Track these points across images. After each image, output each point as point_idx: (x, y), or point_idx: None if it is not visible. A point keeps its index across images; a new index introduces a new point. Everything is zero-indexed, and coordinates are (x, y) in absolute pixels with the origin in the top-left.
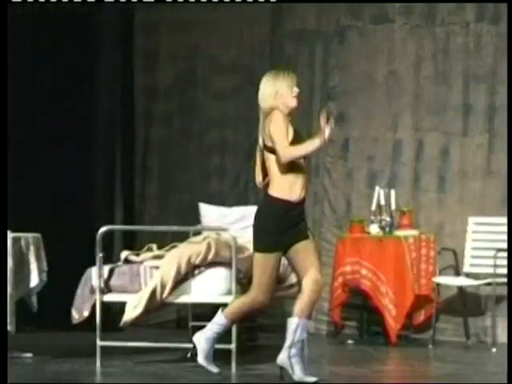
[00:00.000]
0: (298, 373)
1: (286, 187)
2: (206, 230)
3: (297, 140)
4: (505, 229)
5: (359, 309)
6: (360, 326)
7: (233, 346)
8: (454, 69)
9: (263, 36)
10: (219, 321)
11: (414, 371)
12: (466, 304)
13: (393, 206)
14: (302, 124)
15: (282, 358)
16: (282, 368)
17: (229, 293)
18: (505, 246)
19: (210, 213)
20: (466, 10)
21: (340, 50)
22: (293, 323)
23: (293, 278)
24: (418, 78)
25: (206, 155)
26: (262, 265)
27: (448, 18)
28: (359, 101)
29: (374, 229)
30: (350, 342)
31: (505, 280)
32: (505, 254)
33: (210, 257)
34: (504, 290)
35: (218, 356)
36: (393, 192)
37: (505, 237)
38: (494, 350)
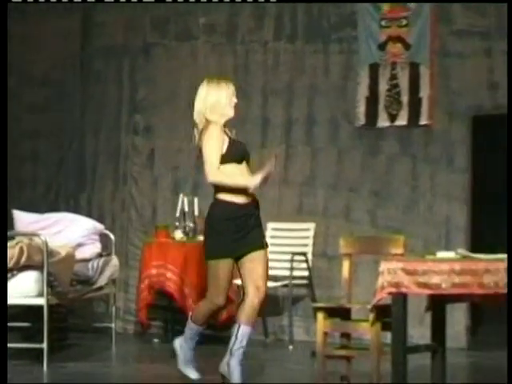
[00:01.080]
0: (236, 379)
1: (233, 190)
2: (18, 235)
3: (232, 150)
4: (300, 234)
5: (164, 309)
6: (165, 325)
7: (44, 345)
8: (253, 84)
9: (74, 51)
10: (189, 326)
11: (216, 367)
12: (264, 304)
13: (196, 213)
14: (110, 136)
15: (223, 364)
16: (223, 376)
17: (40, 295)
18: (300, 249)
19: (22, 219)
20: (265, 29)
21: (146, 65)
22: (236, 329)
23: (101, 281)
24: None
25: (18, 165)
26: (213, 271)
27: (248, 36)
28: (164, 113)
29: (178, 234)
30: (155, 340)
31: (300, 282)
32: (300, 258)
33: (23, 260)
34: (299, 291)
35: (30, 355)
36: (196, 199)
37: (300, 241)
38: (290, 347)
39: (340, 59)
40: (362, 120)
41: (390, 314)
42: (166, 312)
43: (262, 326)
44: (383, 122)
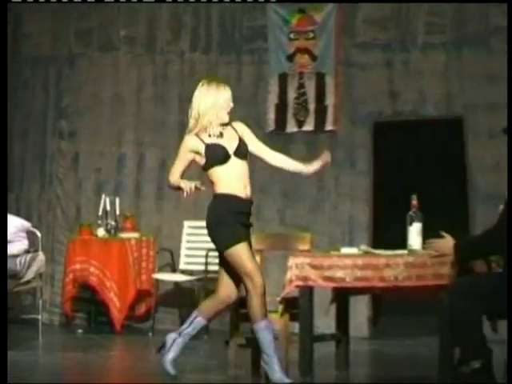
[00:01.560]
0: (175, 350)
1: (230, 185)
2: None
3: (211, 154)
4: None
5: (88, 302)
6: (88, 316)
7: None
8: (171, 92)
9: None
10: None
11: (135, 355)
12: (181, 297)
13: (117, 212)
14: (37, 140)
15: (170, 336)
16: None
17: None
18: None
19: None
20: (182, 41)
21: (71, 74)
22: (193, 317)
23: (29, 276)
24: (139, 100)
25: None
26: (238, 256)
27: (166, 47)
28: (88, 119)
29: (101, 232)
30: (79, 331)
31: (214, 276)
32: (214, 254)
33: None
34: (213, 285)
35: None
36: (117, 199)
37: None
38: (205, 336)
39: (252, 69)
40: (271, 126)
41: (298, 305)
42: (90, 304)
43: (178, 317)
44: (291, 127)
